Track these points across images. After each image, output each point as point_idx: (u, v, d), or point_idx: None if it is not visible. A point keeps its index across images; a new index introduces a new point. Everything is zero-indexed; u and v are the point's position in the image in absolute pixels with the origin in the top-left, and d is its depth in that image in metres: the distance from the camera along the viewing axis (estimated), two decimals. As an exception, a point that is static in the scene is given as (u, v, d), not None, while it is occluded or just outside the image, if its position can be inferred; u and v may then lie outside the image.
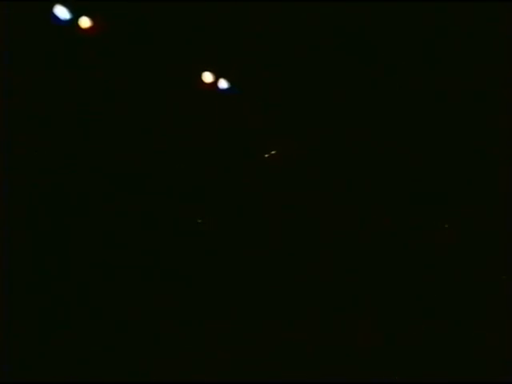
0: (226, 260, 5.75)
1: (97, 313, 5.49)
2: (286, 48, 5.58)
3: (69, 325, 5.41)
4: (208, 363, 5.46)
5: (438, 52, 5.58)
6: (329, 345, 5.61)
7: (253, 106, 5.58)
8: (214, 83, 5.40)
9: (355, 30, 5.58)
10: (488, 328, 5.59)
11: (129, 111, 5.47)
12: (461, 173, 5.75)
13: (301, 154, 5.77)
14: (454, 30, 5.58)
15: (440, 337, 5.65)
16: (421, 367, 5.51)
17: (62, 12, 4.77)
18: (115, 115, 5.45)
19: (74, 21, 4.79)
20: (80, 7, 4.83)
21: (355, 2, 5.43)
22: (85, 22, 4.84)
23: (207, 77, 5.38)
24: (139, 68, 5.34)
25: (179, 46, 5.31)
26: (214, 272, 5.71)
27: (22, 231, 5.44)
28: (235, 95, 5.46)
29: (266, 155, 5.46)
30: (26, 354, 5.19)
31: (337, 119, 5.80)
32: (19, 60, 4.85)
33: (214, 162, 5.71)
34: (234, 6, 5.25)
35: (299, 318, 5.66)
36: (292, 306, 5.69)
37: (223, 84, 5.42)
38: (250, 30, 5.43)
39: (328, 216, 5.77)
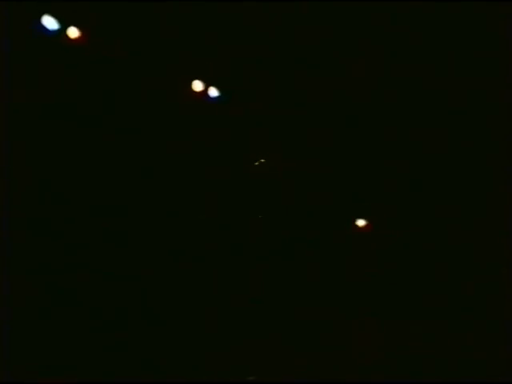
0: (222, 262, 5.79)
1: (96, 313, 5.55)
2: (276, 54, 5.61)
3: (68, 324, 5.50)
4: (206, 363, 5.52)
5: (434, 52, 5.55)
6: (327, 345, 5.64)
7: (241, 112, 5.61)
8: (204, 91, 5.42)
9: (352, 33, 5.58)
10: (488, 328, 5.57)
11: (118, 117, 5.52)
12: (459, 173, 5.73)
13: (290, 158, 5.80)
14: (453, 30, 5.54)
15: (439, 336, 5.64)
16: (421, 367, 5.51)
17: (49, 22, 4.82)
18: (103, 122, 5.50)
19: (61, 31, 4.82)
20: (68, 17, 4.87)
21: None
22: (73, 32, 4.85)
23: (197, 85, 5.40)
24: (128, 76, 5.36)
25: (168, 55, 5.34)
26: (211, 273, 5.74)
27: (21, 231, 5.51)
28: (225, 102, 5.48)
29: (256, 163, 5.47)
30: (27, 353, 5.30)
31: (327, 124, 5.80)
32: (7, 68, 4.90)
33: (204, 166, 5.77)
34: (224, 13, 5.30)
35: (296, 319, 5.69)
36: (289, 306, 5.73)
37: (213, 92, 5.44)
38: (237, 36, 5.46)
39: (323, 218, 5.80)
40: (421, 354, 5.59)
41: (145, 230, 5.75)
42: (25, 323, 5.30)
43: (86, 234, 5.65)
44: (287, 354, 5.57)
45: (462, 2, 5.31)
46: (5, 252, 5.21)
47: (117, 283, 5.62)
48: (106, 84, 5.46)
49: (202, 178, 5.82)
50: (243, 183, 5.77)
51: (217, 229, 5.81)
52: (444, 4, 5.36)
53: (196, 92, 5.43)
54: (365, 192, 5.81)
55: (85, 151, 5.63)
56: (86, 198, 5.69)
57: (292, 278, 5.78)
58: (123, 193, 5.72)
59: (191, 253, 5.78)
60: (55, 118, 5.46)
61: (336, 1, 5.42)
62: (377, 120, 5.75)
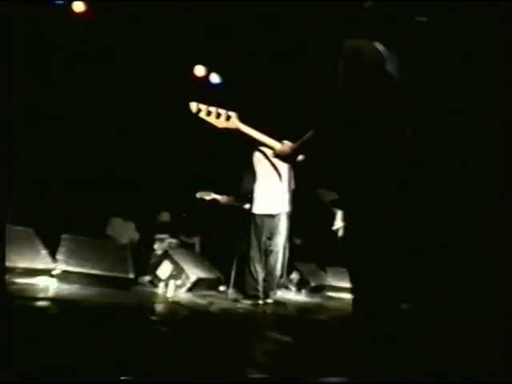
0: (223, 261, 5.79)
1: (96, 312, 5.55)
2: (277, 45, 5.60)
3: (68, 324, 5.49)
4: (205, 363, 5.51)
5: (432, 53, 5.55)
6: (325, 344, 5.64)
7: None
8: (205, 77, 5.40)
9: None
10: (488, 328, 5.58)
11: (117, 98, 5.49)
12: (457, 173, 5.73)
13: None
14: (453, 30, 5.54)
15: (439, 336, 5.65)
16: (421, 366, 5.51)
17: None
18: (103, 101, 5.48)
19: (67, 4, 4.72)
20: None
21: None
22: (78, 6, 4.78)
23: (199, 70, 5.37)
24: (130, 56, 5.31)
25: (172, 37, 5.30)
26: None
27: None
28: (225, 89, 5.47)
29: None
30: (27, 353, 5.27)
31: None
32: (14, 41, 4.81)
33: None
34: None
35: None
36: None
37: (214, 78, 5.42)
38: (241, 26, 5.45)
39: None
40: (420, 353, 5.60)
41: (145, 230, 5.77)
42: (25, 323, 5.31)
43: (88, 234, 5.68)
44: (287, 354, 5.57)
45: (461, 2, 5.31)
46: (5, 252, 5.22)
47: (117, 283, 5.63)
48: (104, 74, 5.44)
49: (200, 175, 5.84)
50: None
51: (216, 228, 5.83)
52: (444, 4, 5.36)
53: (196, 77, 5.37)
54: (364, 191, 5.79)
55: (83, 149, 5.65)
56: (86, 198, 5.70)
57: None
58: (122, 190, 5.74)
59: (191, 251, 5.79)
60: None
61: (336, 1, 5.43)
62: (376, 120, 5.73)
